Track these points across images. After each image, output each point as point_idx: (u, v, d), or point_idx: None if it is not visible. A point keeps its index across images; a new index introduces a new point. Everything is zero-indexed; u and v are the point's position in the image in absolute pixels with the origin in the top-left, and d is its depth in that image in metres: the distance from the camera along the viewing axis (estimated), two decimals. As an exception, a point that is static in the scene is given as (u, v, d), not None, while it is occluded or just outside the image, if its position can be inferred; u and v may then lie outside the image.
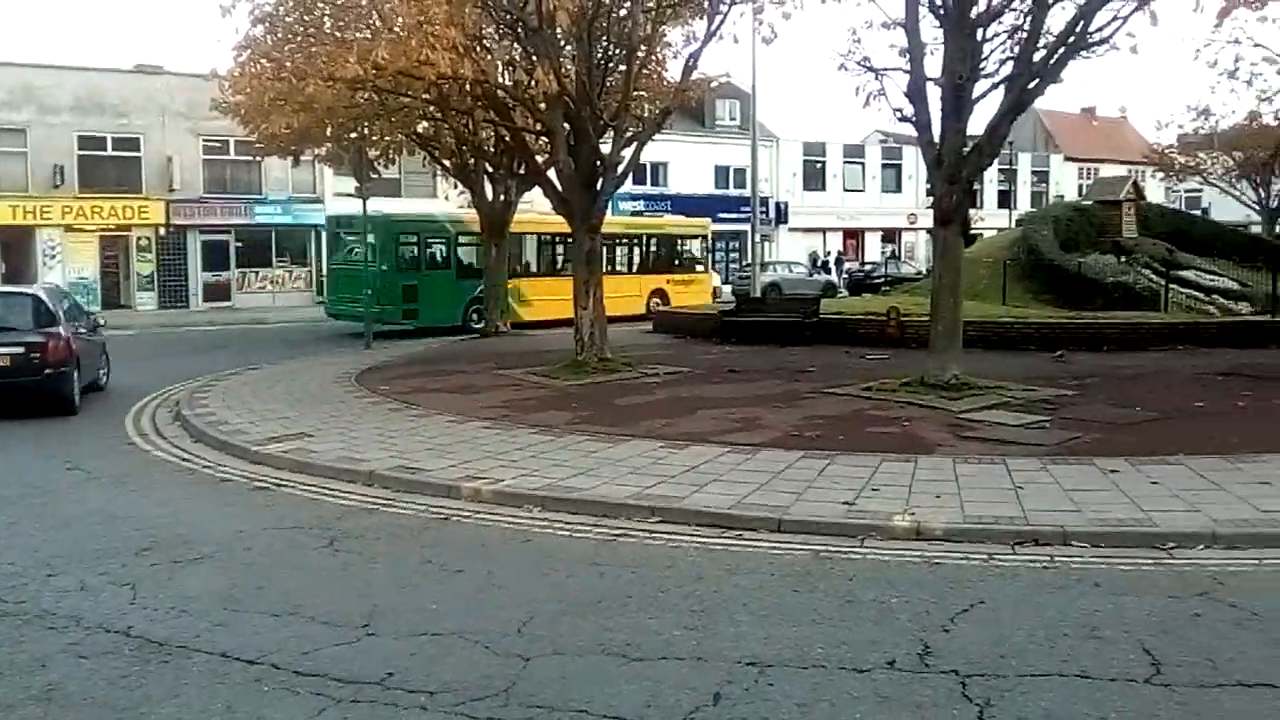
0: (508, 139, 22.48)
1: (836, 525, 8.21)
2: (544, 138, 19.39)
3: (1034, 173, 67.23)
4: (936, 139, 14.97)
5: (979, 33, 14.81)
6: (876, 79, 15.70)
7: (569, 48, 18.53)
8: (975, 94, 14.97)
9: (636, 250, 35.75)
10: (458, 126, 23.64)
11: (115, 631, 6.15)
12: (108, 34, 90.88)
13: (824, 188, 57.38)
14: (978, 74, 14.86)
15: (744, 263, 44.86)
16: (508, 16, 17.59)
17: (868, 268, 50.62)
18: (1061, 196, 58.46)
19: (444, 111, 20.84)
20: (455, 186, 30.99)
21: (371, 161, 24.68)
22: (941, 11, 14.80)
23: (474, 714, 4.99)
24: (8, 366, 14.18)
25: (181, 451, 12.33)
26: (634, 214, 46.47)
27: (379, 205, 26.95)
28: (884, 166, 59.99)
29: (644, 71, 20.81)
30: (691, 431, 12.15)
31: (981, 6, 14.82)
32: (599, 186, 18.25)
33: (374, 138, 23.17)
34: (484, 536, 8.43)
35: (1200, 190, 60.62)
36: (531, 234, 32.03)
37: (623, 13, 18.69)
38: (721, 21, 18.25)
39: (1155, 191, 57.83)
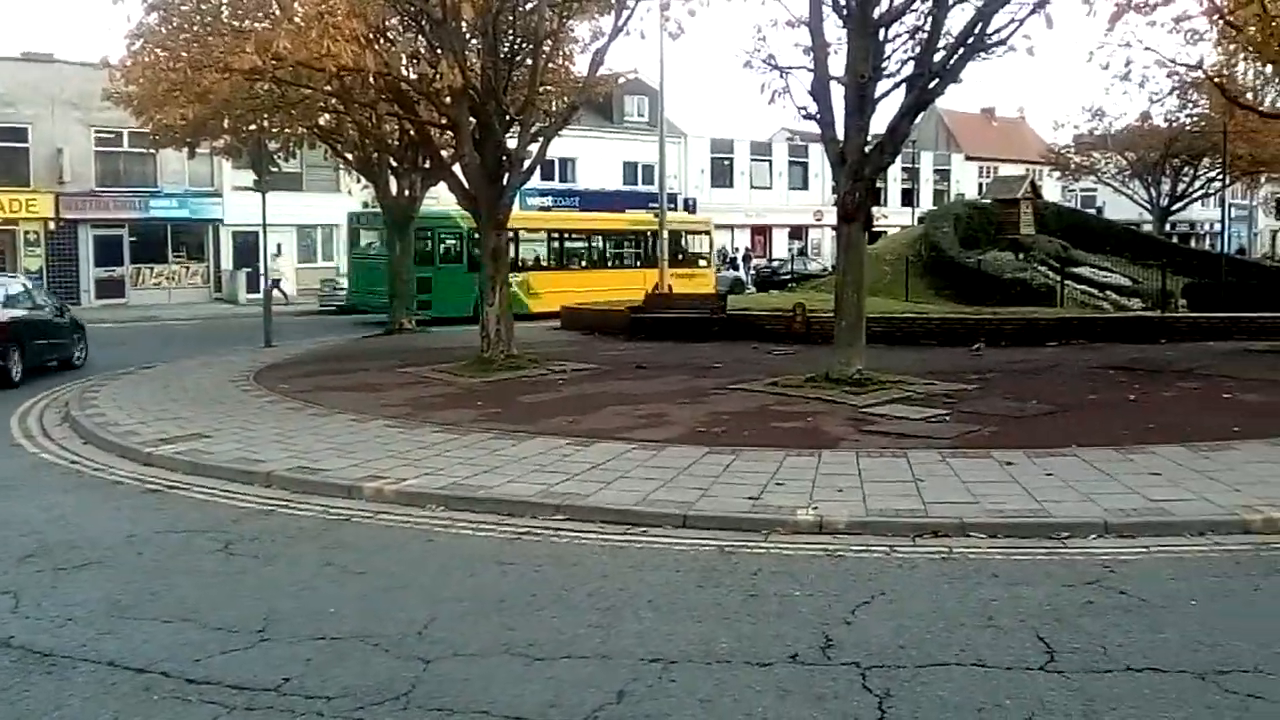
0: (412, 133, 22.18)
1: (741, 520, 8.25)
2: (449, 132, 19.15)
3: (936, 171, 68.57)
4: (840, 137, 15.14)
5: (881, 33, 15.00)
6: (782, 77, 15.82)
7: (475, 41, 18.33)
8: (878, 93, 15.18)
9: (644, 245, 37.44)
10: (361, 119, 23.26)
11: (-5, 642, 5.91)
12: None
13: (732, 185, 57.78)
14: (880, 73, 15.05)
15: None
16: (411, 8, 17.35)
17: (775, 264, 51.14)
18: (962, 195, 59.66)
19: (346, 104, 20.50)
20: (358, 181, 30.51)
21: (271, 154, 24.14)
22: (845, 11, 14.97)
23: (373, 718, 4.89)
24: None
25: (70, 454, 11.91)
26: (541, 209, 46.44)
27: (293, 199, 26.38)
28: (791, 164, 60.64)
29: (550, 66, 20.73)
30: (598, 428, 12.12)
31: (883, 7, 15.00)
32: (505, 181, 18.09)
33: (274, 130, 22.70)
34: (386, 537, 8.29)
35: (1095, 189, 62.47)
36: (536, 229, 34.44)
37: (529, 6, 18.58)
38: (629, 17, 18.21)
39: (1052, 190, 59.41)
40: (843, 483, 9.21)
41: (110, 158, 38.72)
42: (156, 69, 17.69)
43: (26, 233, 37.34)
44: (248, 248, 39.72)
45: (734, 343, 21.72)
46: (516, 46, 19.36)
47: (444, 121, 18.46)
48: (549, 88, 22.34)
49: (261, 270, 25.90)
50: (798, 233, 61.47)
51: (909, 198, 60.89)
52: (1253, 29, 17.95)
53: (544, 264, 34.44)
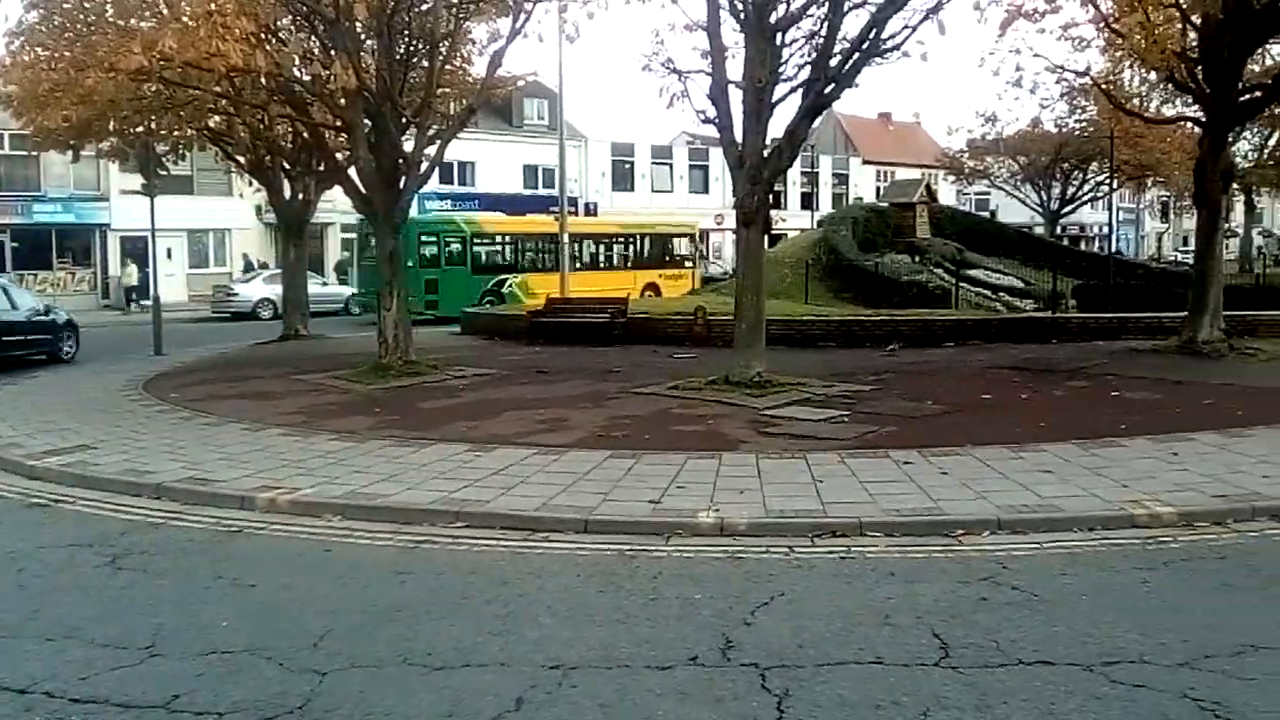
0: (306, 135, 21.77)
1: (643, 524, 8.23)
2: (344, 134, 18.83)
3: (835, 175, 69.57)
4: (739, 141, 15.23)
5: (778, 37, 15.13)
6: (680, 81, 15.89)
7: (370, 42, 18.05)
8: (775, 97, 15.32)
9: (632, 247, 39.99)
10: (252, 121, 22.71)
11: None
12: None
13: (633, 188, 57.89)
14: (777, 77, 15.18)
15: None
16: (304, 8, 17.00)
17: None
18: (860, 198, 60.65)
19: (237, 105, 19.99)
20: (250, 184, 29.85)
21: (159, 157, 23.50)
22: (742, 16, 15.05)
23: (265, 734, 4.77)
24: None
25: (-54, 468, 11.41)
26: (441, 213, 46.18)
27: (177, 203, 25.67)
28: (691, 167, 60.98)
29: (447, 68, 20.56)
30: (498, 434, 12.01)
31: (780, 12, 15.12)
32: (402, 185, 17.85)
33: (162, 132, 22.03)
34: (280, 548, 8.09)
35: (989, 193, 63.93)
36: (535, 234, 36.53)
37: (425, 7, 18.36)
38: (526, 19, 18.12)
39: (947, 194, 60.78)
40: (743, 485, 9.26)
41: (-10, 161, 37.36)
42: (37, 69, 17.13)
43: (-99, 238, 35.87)
44: (137, 253, 38.62)
45: (635, 346, 21.73)
46: (413, 48, 19.13)
47: (338, 124, 18.14)
48: (446, 90, 22.14)
49: (151, 276, 25.12)
50: (700, 236, 61.75)
51: (808, 201, 61.67)
52: (1137, 36, 18.52)
53: (539, 266, 36.16)
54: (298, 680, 5.37)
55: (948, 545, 7.69)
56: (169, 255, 38.19)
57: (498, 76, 20.66)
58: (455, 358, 19.97)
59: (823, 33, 15.10)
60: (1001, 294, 32.22)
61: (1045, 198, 55.86)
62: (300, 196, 26.40)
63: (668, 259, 40.50)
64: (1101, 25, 19.88)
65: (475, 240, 35.37)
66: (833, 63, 14.79)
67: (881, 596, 6.55)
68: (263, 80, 16.33)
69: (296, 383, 17.04)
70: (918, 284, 29.17)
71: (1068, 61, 52.51)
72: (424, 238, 32.97)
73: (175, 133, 22.45)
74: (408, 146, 18.19)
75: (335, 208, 36.84)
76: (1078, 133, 48.28)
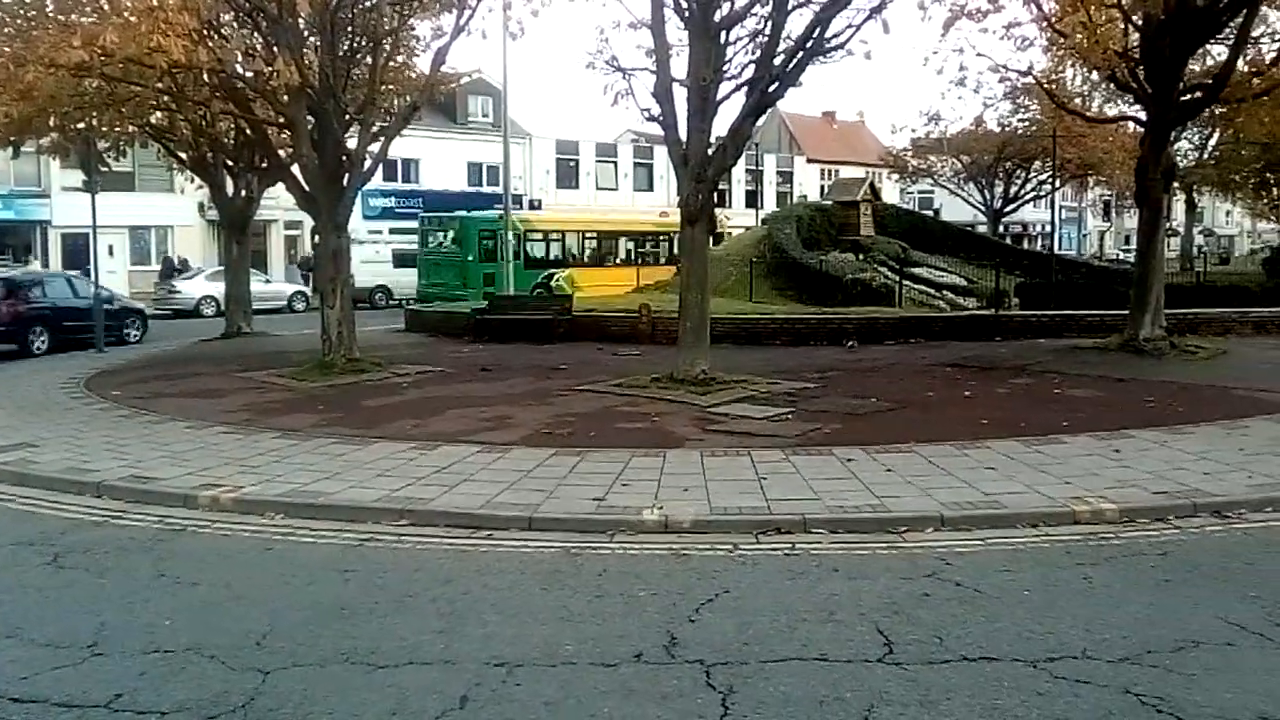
0: (248, 131, 21.50)
1: (587, 522, 8.24)
2: (287, 131, 18.63)
3: (779, 173, 69.93)
4: (683, 139, 15.27)
5: (722, 36, 15.16)
6: (625, 79, 15.85)
7: (313, 38, 17.85)
8: (720, 95, 15.35)
9: (633, 245, 41.16)
10: (194, 118, 22.42)
11: None
12: None
13: (578, 186, 57.73)
14: (721, 76, 15.22)
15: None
16: (247, 4, 16.78)
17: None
18: (805, 197, 60.91)
19: (179, 102, 19.69)
20: (192, 181, 29.41)
21: (101, 154, 23.06)
22: (686, 14, 15.08)
23: (207, 733, 4.73)
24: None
25: (-124, 468, 11.14)
26: (384, 210, 46.04)
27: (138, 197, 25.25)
28: (636, 165, 60.95)
29: (391, 64, 20.39)
30: (442, 431, 11.96)
31: (724, 11, 15.16)
32: (345, 182, 17.68)
33: (103, 128, 21.61)
34: (223, 546, 8.01)
35: (933, 191, 64.63)
36: (579, 231, 39.26)
37: (369, 4, 18.19)
38: (470, 16, 18.04)
39: (891, 192, 61.18)
40: (688, 482, 9.29)
41: (-75, 156, 36.44)
42: (-24, 65, 16.71)
43: None
44: (78, 250, 37.89)
45: (580, 344, 21.71)
46: (356, 44, 18.94)
47: (281, 120, 17.96)
48: (390, 86, 21.93)
49: (92, 274, 24.66)
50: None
51: (753, 199, 61.94)
52: (1079, 36, 18.79)
53: (584, 261, 38.63)
54: (240, 679, 5.33)
55: (892, 542, 7.76)
56: (110, 252, 37.50)
57: (442, 73, 20.51)
58: (400, 355, 19.86)
59: (766, 31, 15.16)
60: (945, 292, 32.53)
61: (988, 196, 56.51)
62: (243, 193, 26.08)
63: (664, 260, 40.31)
64: (1044, 25, 20.13)
65: (528, 237, 37.55)
66: (776, 61, 14.87)
67: (826, 593, 6.61)
68: (205, 76, 16.07)
69: (240, 380, 16.85)
70: (862, 282, 29.36)
71: (1011, 61, 53.52)
72: (483, 235, 34.97)
73: (117, 129, 22.03)
74: (351, 144, 18.06)
75: (279, 204, 36.44)
76: (1020, 132, 48.95)
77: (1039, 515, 8.23)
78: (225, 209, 26.35)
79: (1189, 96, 19.37)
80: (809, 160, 72.75)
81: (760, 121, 16.49)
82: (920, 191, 69.33)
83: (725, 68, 15.26)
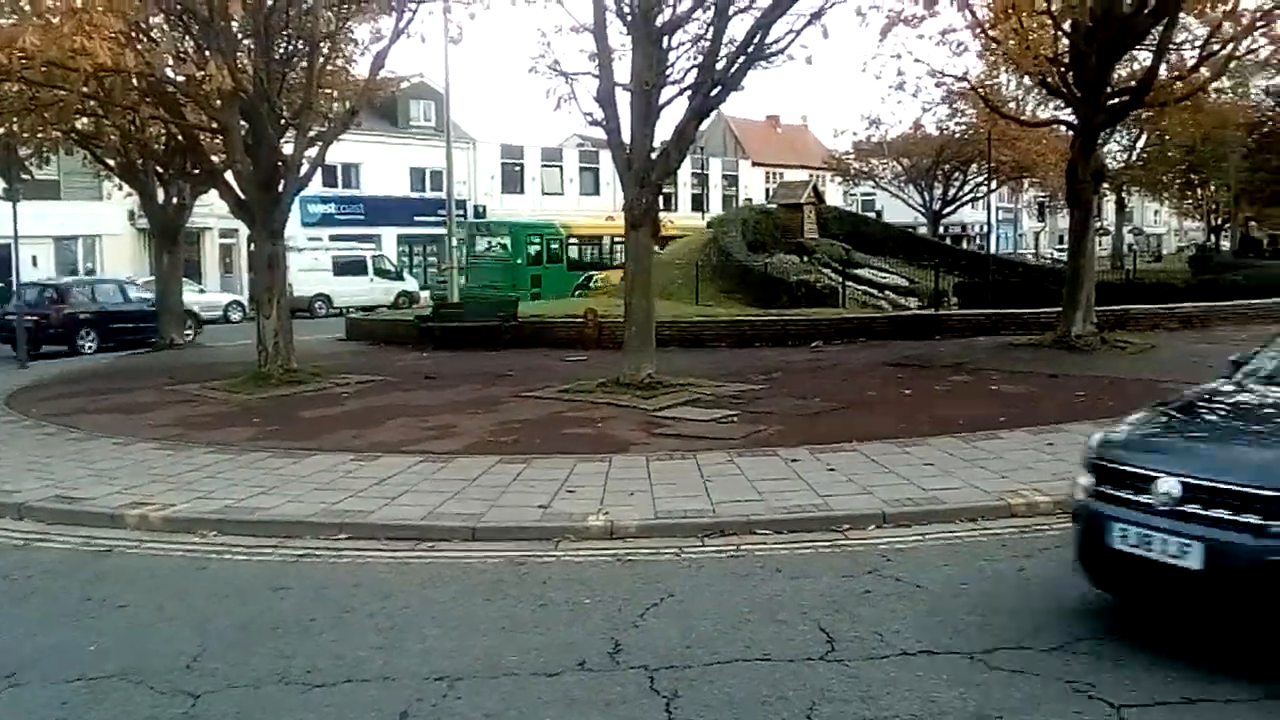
0: (179, 137, 21.10)
1: (532, 530, 8.13)
2: (219, 136, 18.27)
3: (724, 177, 70.12)
4: (627, 143, 15.21)
5: (665, 40, 15.16)
6: (568, 83, 15.84)
7: (247, 41, 17.54)
8: (663, 100, 15.36)
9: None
10: (122, 123, 21.82)
11: None
12: None
13: (523, 191, 57.45)
14: (664, 80, 15.21)
15: (442, 266, 44.56)
16: (177, 6, 16.45)
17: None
18: (750, 200, 61.16)
19: (106, 106, 19.19)
20: (121, 188, 28.76)
21: (22, 161, 22.40)
22: (629, 19, 15.04)
23: (131, 762, 4.56)
24: (39, 321, 24.40)
25: None
26: (324, 217, 45.52)
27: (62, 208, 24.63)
28: (582, 170, 60.81)
29: (329, 68, 20.15)
30: (383, 442, 11.76)
31: (666, 15, 15.16)
32: (281, 188, 17.38)
33: (25, 134, 21.06)
34: (153, 567, 7.77)
35: (874, 194, 65.08)
36: (613, 235, 39.26)
37: (305, 6, 17.90)
38: (410, 19, 17.85)
39: (834, 195, 61.70)
40: (633, 487, 9.21)
41: None
42: (-112, 67, 16.21)
43: None
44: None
45: (526, 350, 21.55)
46: (292, 47, 18.64)
47: (213, 126, 17.60)
48: (328, 90, 21.66)
49: (15, 285, 23.95)
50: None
51: (699, 203, 61.99)
52: (1011, 42, 19.05)
53: (614, 264, 38.16)
54: (170, 704, 5.17)
55: (834, 540, 7.75)
56: (34, 263, 36.55)
57: (381, 77, 20.30)
58: (341, 365, 19.53)
59: (708, 36, 15.18)
60: (887, 292, 32.73)
61: (928, 198, 57.10)
62: (174, 201, 25.50)
63: None
64: (978, 31, 20.38)
65: (570, 242, 40.25)
66: (719, 66, 14.89)
67: (769, 593, 6.57)
68: (133, 80, 15.74)
69: (171, 394, 16.45)
70: (806, 284, 29.42)
71: (947, 66, 53.88)
72: (530, 240, 37.90)
73: (39, 135, 21.43)
74: (288, 149, 17.73)
75: (213, 212, 35.82)
76: (958, 135, 49.55)
77: (976, 510, 8.28)
78: (156, 217, 25.79)
79: (1116, 100, 19.71)
80: (754, 164, 73.07)
81: (705, 125, 16.49)
82: (863, 194, 69.85)
83: (668, 72, 15.25)
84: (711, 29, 15.11)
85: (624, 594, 6.65)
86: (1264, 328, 19.76)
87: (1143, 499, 5.36)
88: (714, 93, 14.99)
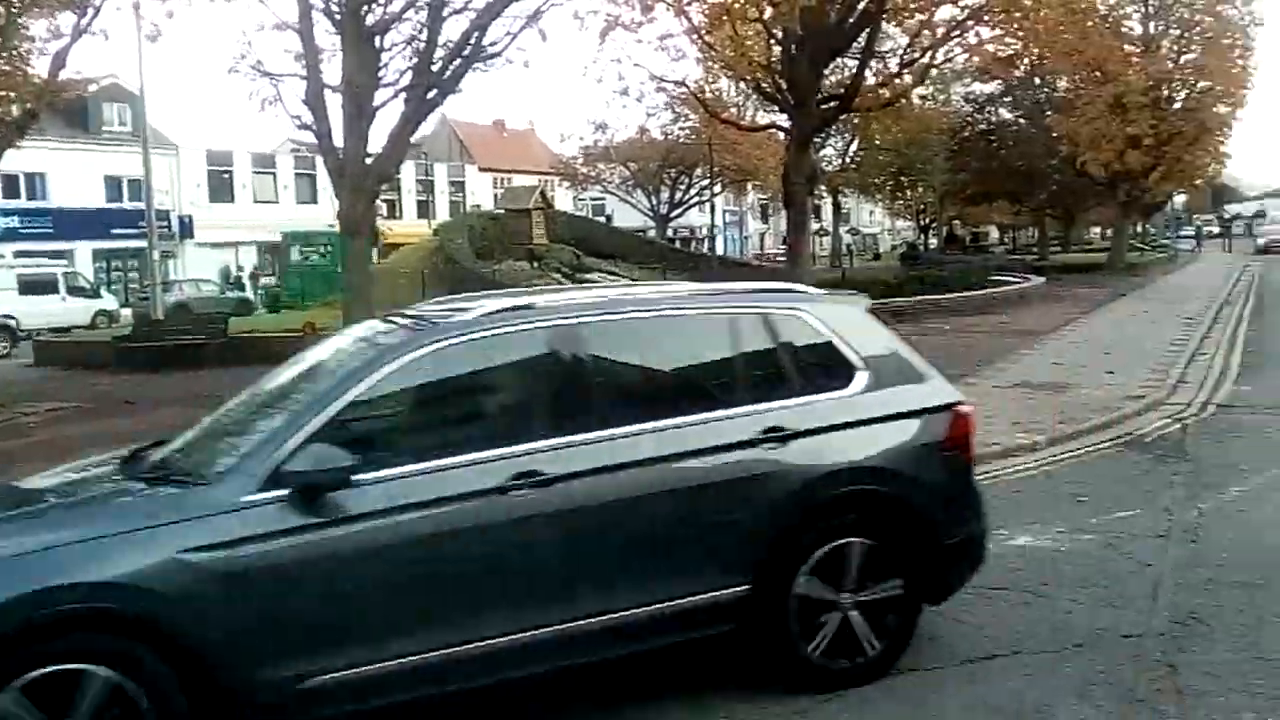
0: None
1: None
2: None
3: (451, 183, 69.13)
4: (339, 148, 14.54)
5: (377, 40, 14.65)
6: (272, 84, 15.04)
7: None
8: (377, 103, 14.83)
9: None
10: None
11: None
12: None
13: (233, 199, 54.33)
14: (378, 82, 14.70)
15: (144, 282, 41.58)
16: None
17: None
18: (478, 206, 60.63)
19: None
20: None
21: None
22: (337, 17, 14.37)
23: None
24: None
25: None
26: (7, 231, 41.68)
27: None
28: (298, 176, 58.05)
29: (1, 68, 18.18)
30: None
31: (377, 15, 14.60)
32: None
33: None
34: None
35: (604, 198, 65.90)
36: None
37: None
38: (94, 17, 16.38)
39: (564, 200, 61.87)
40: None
41: None
42: None
43: None
44: None
45: (241, 367, 20.09)
46: (-45, 44, 16.73)
47: None
48: (2, 92, 19.59)
49: None
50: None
51: (425, 209, 60.86)
52: (728, 50, 19.44)
53: None
54: None
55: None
56: None
57: (65, 79, 18.56)
58: (27, 392, 17.84)
59: (423, 37, 14.77)
60: (617, 295, 33.09)
61: (655, 202, 58.26)
62: None
63: None
64: (695, 37, 20.71)
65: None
66: (435, 68, 14.48)
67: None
68: None
69: None
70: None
71: (668, 72, 54.81)
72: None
73: None
74: (-48, 157, 15.89)
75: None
76: (682, 140, 50.76)
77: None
78: None
79: (826, 106, 20.47)
80: (481, 169, 72.38)
81: (427, 129, 15.98)
82: (592, 199, 70.51)
83: (382, 74, 14.80)
84: (426, 29, 14.70)
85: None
86: (967, 319, 21.14)
87: None
88: (430, 95, 14.63)
